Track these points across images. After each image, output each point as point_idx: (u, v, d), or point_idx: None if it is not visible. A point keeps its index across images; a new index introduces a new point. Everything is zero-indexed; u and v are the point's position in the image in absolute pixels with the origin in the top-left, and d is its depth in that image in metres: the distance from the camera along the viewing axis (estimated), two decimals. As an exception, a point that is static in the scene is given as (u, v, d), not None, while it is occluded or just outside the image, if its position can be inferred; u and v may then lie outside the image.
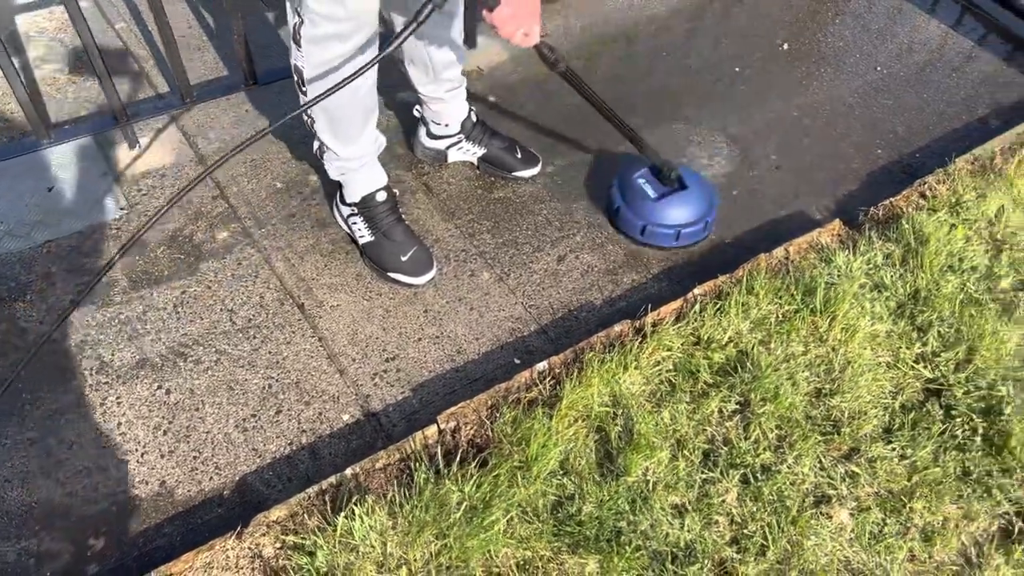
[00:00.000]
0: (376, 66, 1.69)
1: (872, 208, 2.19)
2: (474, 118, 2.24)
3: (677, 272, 2.12)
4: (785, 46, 2.81)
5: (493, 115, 2.47)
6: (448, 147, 2.26)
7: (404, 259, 2.00)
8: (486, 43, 2.67)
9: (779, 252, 2.07)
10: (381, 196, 1.99)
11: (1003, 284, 2.04)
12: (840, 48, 2.82)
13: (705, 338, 1.86)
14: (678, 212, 2.13)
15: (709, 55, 2.75)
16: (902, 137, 2.52)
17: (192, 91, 2.38)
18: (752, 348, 1.84)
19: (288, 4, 1.67)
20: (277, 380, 1.83)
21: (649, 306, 1.99)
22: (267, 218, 2.15)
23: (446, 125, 2.19)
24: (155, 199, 2.16)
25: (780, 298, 1.94)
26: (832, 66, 2.75)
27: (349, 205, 2.01)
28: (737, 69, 2.71)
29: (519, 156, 2.28)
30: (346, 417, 1.78)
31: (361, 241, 2.03)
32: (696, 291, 1.96)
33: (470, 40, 2.68)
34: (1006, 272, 2.06)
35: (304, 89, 1.77)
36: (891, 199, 2.22)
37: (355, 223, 2.02)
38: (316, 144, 1.95)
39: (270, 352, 1.88)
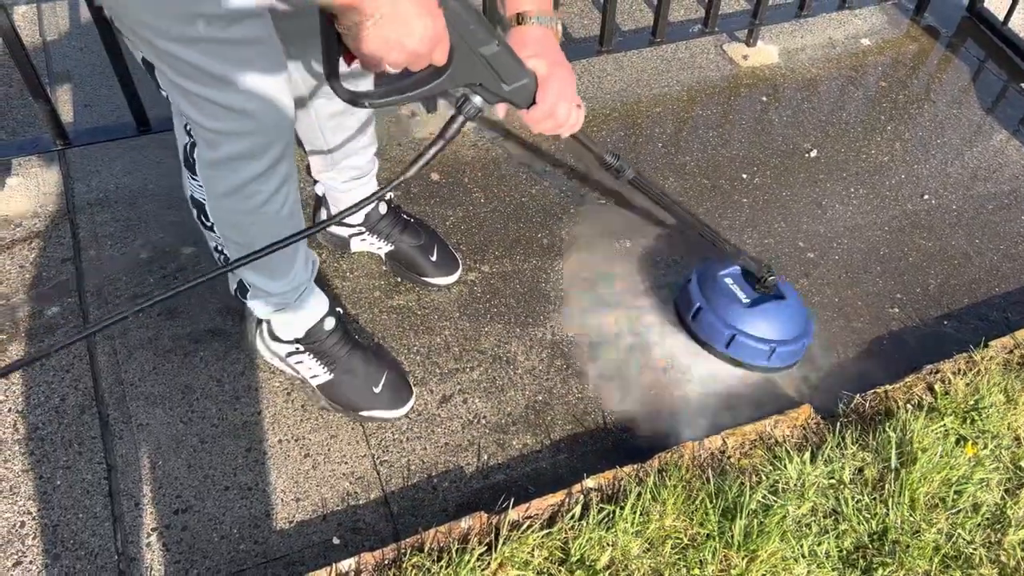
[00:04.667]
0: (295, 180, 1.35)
1: (858, 396, 1.68)
2: (383, 209, 1.84)
3: (584, 444, 1.66)
4: (813, 153, 2.30)
5: (431, 195, 2.06)
6: (351, 236, 1.87)
7: (377, 391, 1.62)
8: (448, 107, 2.27)
9: (714, 441, 1.59)
10: (329, 323, 1.60)
11: (1012, 537, 1.50)
12: (882, 164, 2.29)
13: (576, 556, 1.41)
14: (776, 325, 1.71)
15: (713, 153, 2.27)
16: (931, 295, 1.98)
17: (68, 133, 2.05)
18: (634, 582, 1.38)
19: (174, 118, 1.31)
20: (34, 518, 1.47)
21: (529, 487, 1.56)
22: (113, 295, 1.80)
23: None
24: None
25: (693, 514, 1.47)
26: (866, 186, 2.22)
27: (288, 342, 1.61)
28: (744, 175, 2.22)
29: (433, 259, 1.86)
30: (94, 586, 1.41)
31: (315, 382, 1.63)
32: (588, 482, 1.51)
33: (429, 105, 2.31)
34: (1021, 520, 1.52)
35: (209, 223, 1.39)
36: (887, 387, 1.70)
37: (300, 362, 1.62)
38: (233, 284, 1.59)
39: (42, 477, 1.52)
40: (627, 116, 2.35)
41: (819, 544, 1.45)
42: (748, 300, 1.73)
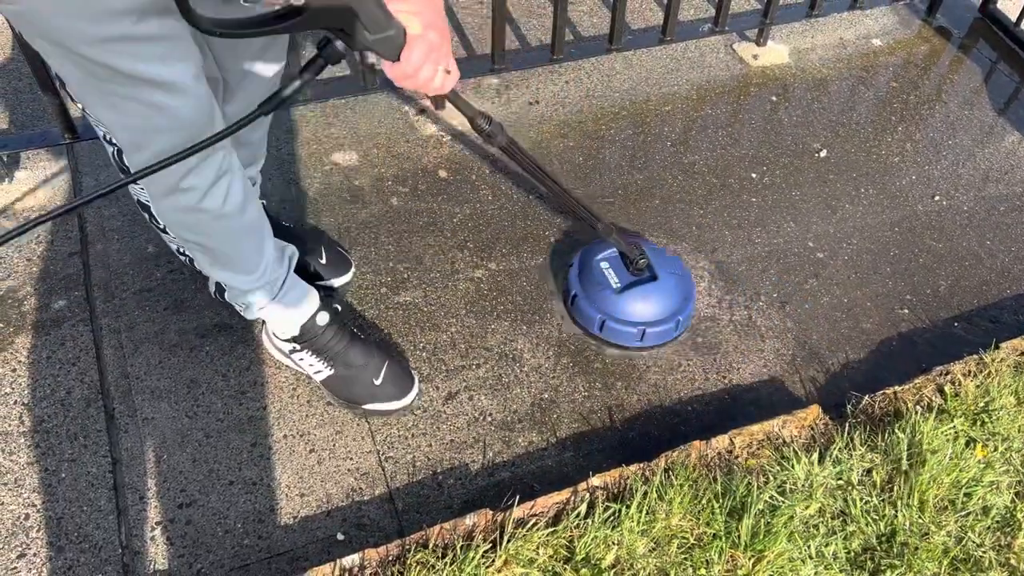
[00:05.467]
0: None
1: (867, 396, 1.67)
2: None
3: (590, 442, 1.66)
4: (823, 152, 2.29)
5: (438, 192, 2.06)
6: None
7: (378, 383, 1.62)
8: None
9: (721, 441, 1.58)
10: (323, 319, 1.60)
11: (1022, 541, 1.49)
12: (893, 165, 2.28)
13: (581, 555, 1.40)
14: (644, 307, 1.75)
15: (722, 152, 2.26)
16: (942, 296, 1.96)
17: (76, 127, 2.05)
18: (640, 581, 1.37)
19: (95, 128, 1.30)
20: (39, 510, 1.47)
21: (535, 485, 1.55)
22: (120, 289, 1.80)
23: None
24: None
25: (699, 513, 1.46)
26: (876, 186, 2.21)
27: (286, 340, 1.61)
28: (753, 175, 2.21)
29: (323, 261, 1.82)
30: (97, 579, 1.40)
31: (318, 378, 1.63)
32: (594, 481, 1.50)
33: (438, 103, 2.30)
34: (1032, 523, 1.50)
35: (161, 226, 1.44)
36: (896, 388, 1.68)
37: (302, 359, 1.62)
38: (211, 286, 1.60)
39: (47, 470, 1.52)
40: (636, 115, 2.34)
41: (827, 545, 1.43)
42: (619, 285, 1.77)
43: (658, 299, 1.77)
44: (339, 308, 1.68)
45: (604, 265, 1.80)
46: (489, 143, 1.49)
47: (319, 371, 1.62)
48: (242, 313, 1.58)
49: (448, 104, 2.26)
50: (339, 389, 1.62)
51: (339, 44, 1.13)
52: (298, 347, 1.60)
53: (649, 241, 1.94)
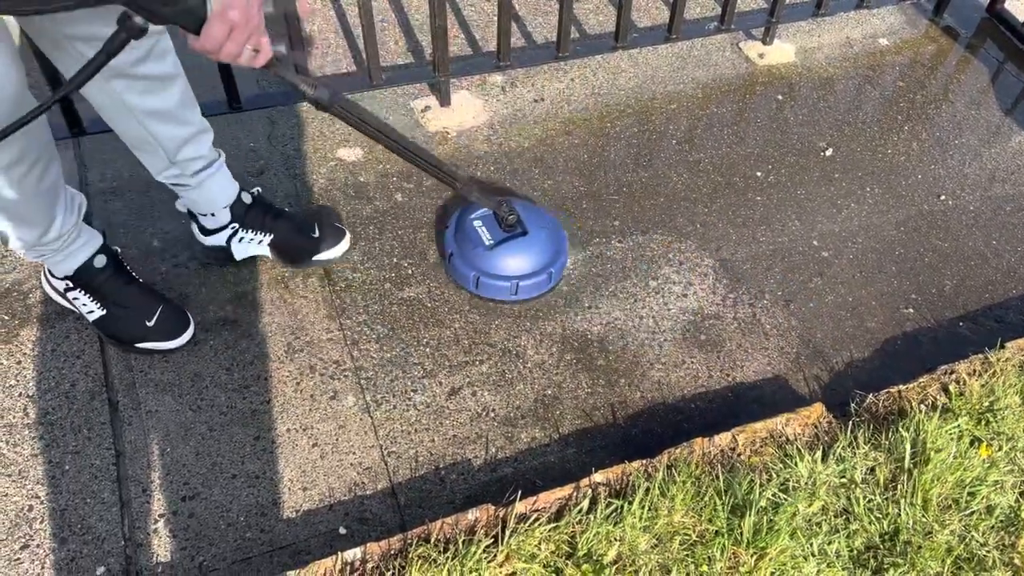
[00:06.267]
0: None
1: (871, 395, 1.66)
2: (247, 199, 1.80)
3: (593, 439, 1.65)
4: (829, 151, 2.28)
5: (444, 189, 2.06)
6: (228, 239, 1.81)
7: (151, 323, 1.65)
8: (461, 102, 2.27)
9: (724, 438, 1.58)
10: (100, 261, 1.63)
11: (1027, 541, 1.48)
12: (899, 164, 2.27)
13: (583, 550, 1.39)
14: (516, 261, 1.79)
15: (727, 151, 2.25)
16: (947, 295, 1.96)
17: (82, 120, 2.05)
18: (642, 577, 1.37)
19: None
20: (43, 502, 1.48)
21: (537, 481, 1.55)
22: (124, 283, 1.80)
23: (212, 215, 1.77)
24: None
25: (701, 510, 1.45)
26: (882, 185, 2.20)
27: (61, 279, 1.64)
28: (759, 173, 2.20)
29: (316, 234, 1.84)
30: (100, 571, 1.40)
31: (91, 318, 1.66)
32: (596, 476, 1.50)
33: (444, 98, 2.30)
34: (1035, 523, 1.50)
35: None
36: (900, 387, 1.68)
37: (76, 298, 1.65)
38: None
39: (51, 462, 1.53)
40: (642, 112, 2.33)
41: (829, 543, 1.43)
42: (492, 241, 1.81)
43: (529, 253, 1.81)
44: (117, 250, 1.70)
45: (477, 224, 1.84)
46: (320, 110, 1.46)
47: (91, 311, 1.64)
48: (23, 256, 1.57)
49: (453, 101, 2.27)
50: (111, 328, 1.65)
51: (137, 18, 1.11)
52: (72, 286, 1.63)
53: (522, 198, 2.00)
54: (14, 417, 1.58)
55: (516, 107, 2.31)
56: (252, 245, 1.82)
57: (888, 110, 2.42)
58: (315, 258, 1.85)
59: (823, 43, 2.63)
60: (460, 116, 2.26)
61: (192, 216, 1.81)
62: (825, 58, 2.58)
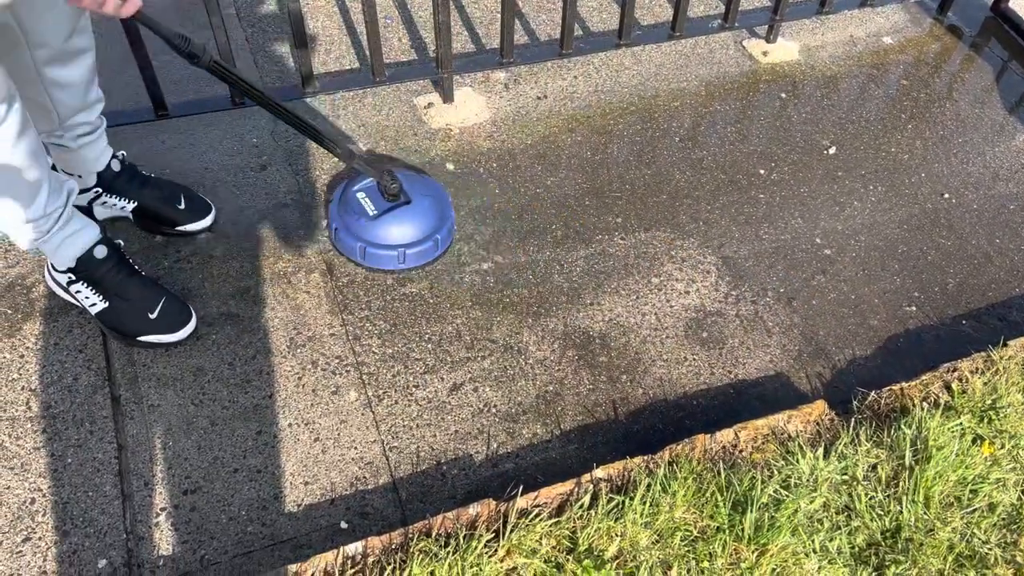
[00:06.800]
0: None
1: (873, 392, 1.66)
2: (117, 167, 1.81)
3: (594, 435, 1.65)
4: (832, 150, 2.28)
5: (447, 185, 2.05)
6: (90, 202, 1.84)
7: (153, 316, 1.66)
8: (464, 98, 2.27)
9: (726, 435, 1.58)
10: (100, 252, 1.63)
11: (1029, 539, 1.48)
12: (902, 163, 2.27)
13: (584, 546, 1.39)
14: (400, 230, 1.81)
15: (731, 148, 2.25)
16: (950, 293, 1.95)
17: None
18: (644, 573, 1.36)
19: None
20: (45, 495, 1.48)
21: (538, 476, 1.55)
22: (127, 278, 1.80)
23: (79, 177, 1.77)
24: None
25: (703, 506, 1.45)
26: (885, 184, 2.20)
27: (63, 272, 1.65)
28: (762, 171, 2.20)
29: (182, 206, 1.86)
30: (102, 564, 1.41)
31: (93, 311, 1.67)
32: (598, 472, 1.50)
33: (447, 95, 2.30)
34: (1038, 521, 1.49)
35: None
36: (903, 384, 1.68)
37: (79, 292, 1.66)
38: None
39: (52, 455, 1.53)
40: (644, 110, 2.33)
41: (831, 540, 1.43)
42: (376, 211, 1.81)
43: (413, 221, 1.83)
44: (119, 243, 1.71)
45: (361, 195, 1.85)
46: (193, 64, 1.48)
47: (94, 304, 1.65)
48: (20, 246, 1.57)
49: (456, 98, 2.27)
50: (113, 321, 1.66)
51: None
52: (74, 278, 1.64)
53: (409, 168, 2.02)
54: (17, 410, 1.58)
55: (519, 104, 2.31)
56: (114, 210, 1.85)
57: (892, 108, 2.42)
58: (178, 228, 1.87)
59: (827, 41, 2.63)
60: (463, 113, 2.26)
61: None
62: (829, 56, 2.57)
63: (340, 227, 1.84)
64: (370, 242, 1.81)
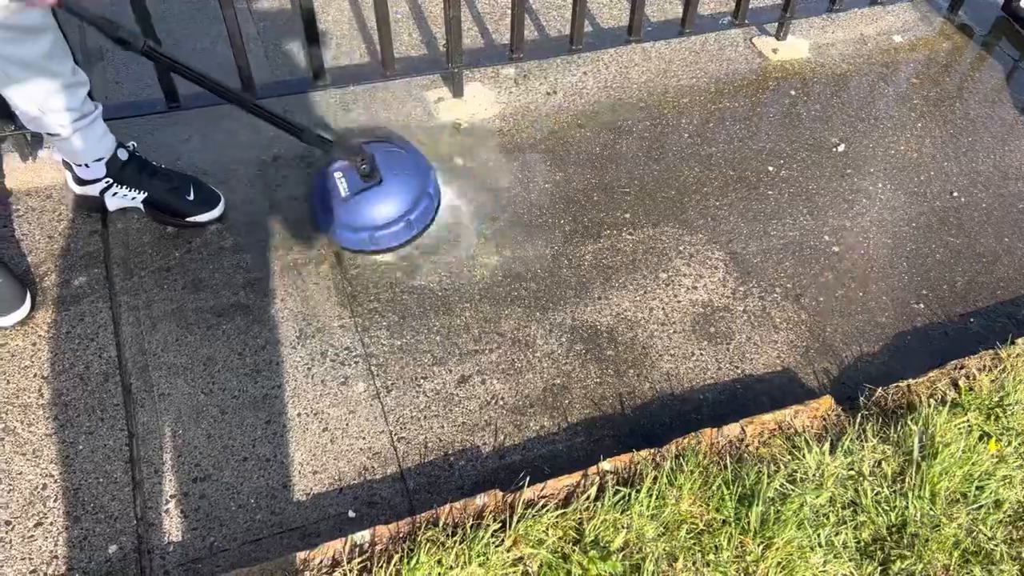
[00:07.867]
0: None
1: (880, 389, 1.67)
2: (124, 155, 1.84)
3: (601, 428, 1.66)
4: (841, 147, 2.28)
5: (455, 179, 2.07)
6: (102, 192, 1.87)
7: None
8: (473, 93, 2.28)
9: (732, 429, 1.58)
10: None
11: (1034, 535, 1.48)
12: (912, 161, 2.27)
13: (590, 537, 1.40)
14: (370, 211, 1.79)
15: (739, 145, 2.25)
16: (958, 292, 1.95)
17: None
18: (650, 565, 1.37)
19: None
20: (56, 481, 1.49)
21: (545, 469, 1.56)
22: (138, 267, 1.82)
23: (86, 166, 1.81)
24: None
25: (709, 499, 1.46)
26: (894, 182, 2.20)
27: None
28: (771, 168, 2.21)
29: (191, 198, 1.89)
30: (112, 549, 1.42)
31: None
32: (604, 465, 1.50)
33: (457, 90, 2.31)
34: (1044, 518, 1.50)
35: None
36: (910, 380, 1.68)
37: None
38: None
39: (64, 442, 1.54)
40: (654, 106, 2.34)
41: (836, 534, 1.43)
42: (348, 193, 1.79)
43: (384, 202, 1.80)
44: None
45: (338, 175, 1.82)
46: (125, 50, 1.51)
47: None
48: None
49: (465, 93, 2.27)
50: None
51: None
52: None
53: (389, 143, 1.95)
54: (29, 397, 1.59)
55: (528, 99, 2.32)
56: (126, 200, 1.89)
57: (901, 107, 2.42)
58: (188, 219, 1.90)
59: (837, 39, 2.63)
60: (473, 107, 2.27)
61: (68, 166, 1.86)
62: (839, 54, 2.57)
63: (318, 208, 1.86)
64: (343, 224, 1.81)
